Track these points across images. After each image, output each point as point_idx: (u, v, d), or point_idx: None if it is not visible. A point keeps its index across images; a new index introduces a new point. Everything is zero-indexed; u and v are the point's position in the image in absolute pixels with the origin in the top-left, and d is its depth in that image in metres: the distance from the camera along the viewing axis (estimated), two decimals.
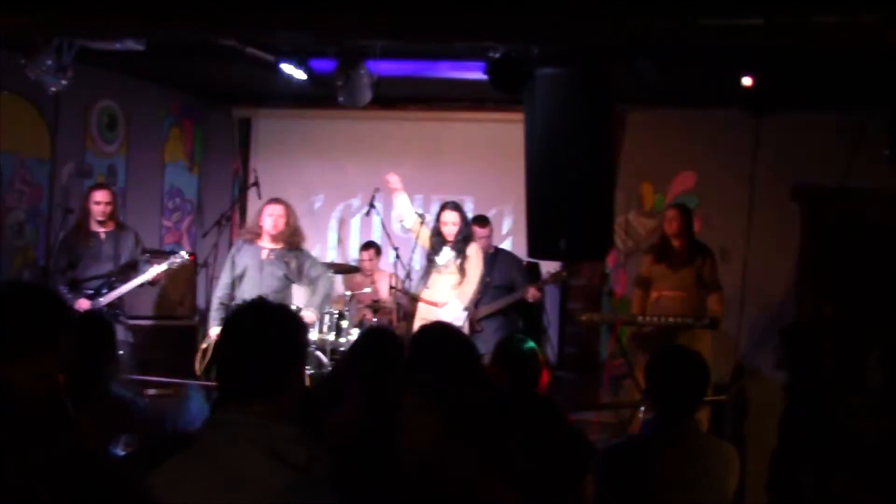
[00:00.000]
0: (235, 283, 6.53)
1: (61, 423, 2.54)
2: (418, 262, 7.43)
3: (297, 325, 2.21)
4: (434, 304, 6.68)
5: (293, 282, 6.59)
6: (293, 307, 6.82)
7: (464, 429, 2.27)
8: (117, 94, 8.13)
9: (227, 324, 2.23)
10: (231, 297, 6.50)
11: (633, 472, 3.13)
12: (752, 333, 7.56)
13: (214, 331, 6.45)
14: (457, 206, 6.82)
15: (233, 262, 6.57)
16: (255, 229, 6.59)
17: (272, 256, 6.51)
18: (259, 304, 2.23)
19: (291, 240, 6.55)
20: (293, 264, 6.53)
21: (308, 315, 6.44)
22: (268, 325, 2.14)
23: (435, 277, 6.74)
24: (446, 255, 6.71)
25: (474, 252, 6.78)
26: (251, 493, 1.99)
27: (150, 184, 8.61)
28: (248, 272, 6.50)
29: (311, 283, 6.64)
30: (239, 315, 2.22)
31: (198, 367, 6.52)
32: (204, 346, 6.55)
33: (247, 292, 6.35)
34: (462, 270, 6.70)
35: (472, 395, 2.28)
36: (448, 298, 6.70)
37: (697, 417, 3.46)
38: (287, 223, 6.52)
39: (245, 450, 2.03)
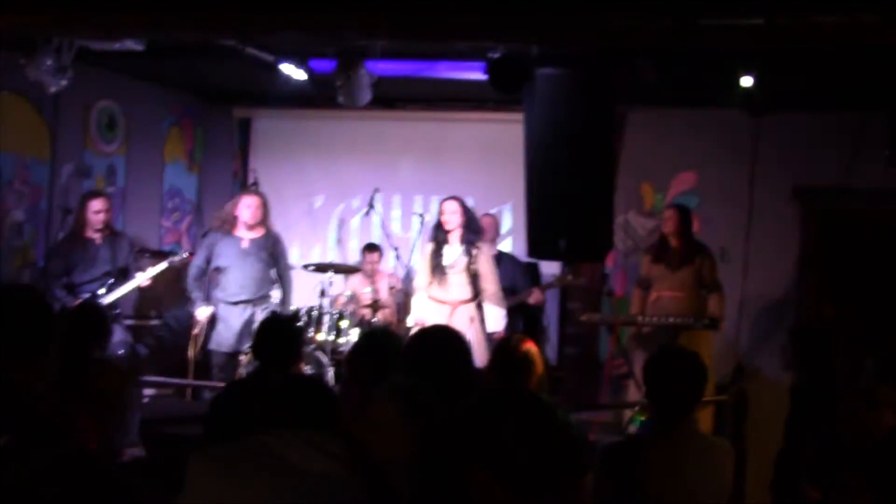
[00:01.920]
0: (219, 274, 6.81)
1: (62, 424, 2.54)
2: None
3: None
4: (453, 302, 6.47)
5: (271, 267, 6.90)
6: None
7: (440, 434, 2.29)
8: (117, 94, 8.12)
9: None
10: (205, 277, 6.88)
11: (630, 471, 3.13)
12: (752, 333, 7.56)
13: (202, 312, 6.81)
14: (455, 197, 6.61)
15: (210, 252, 6.86)
16: (229, 219, 6.83)
17: (252, 246, 6.79)
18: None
19: (267, 225, 6.89)
20: (271, 250, 6.86)
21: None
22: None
23: (443, 278, 6.46)
24: (451, 254, 6.47)
25: (484, 251, 6.55)
26: (295, 477, 2.12)
27: (149, 184, 8.61)
28: (231, 265, 6.78)
29: (279, 271, 6.95)
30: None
31: (191, 352, 6.91)
32: (196, 331, 6.86)
33: (232, 283, 6.75)
34: (469, 271, 6.43)
35: (462, 397, 2.28)
36: (461, 297, 6.47)
37: (696, 417, 3.46)
38: (264, 213, 6.85)
39: (291, 441, 2.18)
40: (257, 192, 7.03)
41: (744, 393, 6.86)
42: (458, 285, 6.47)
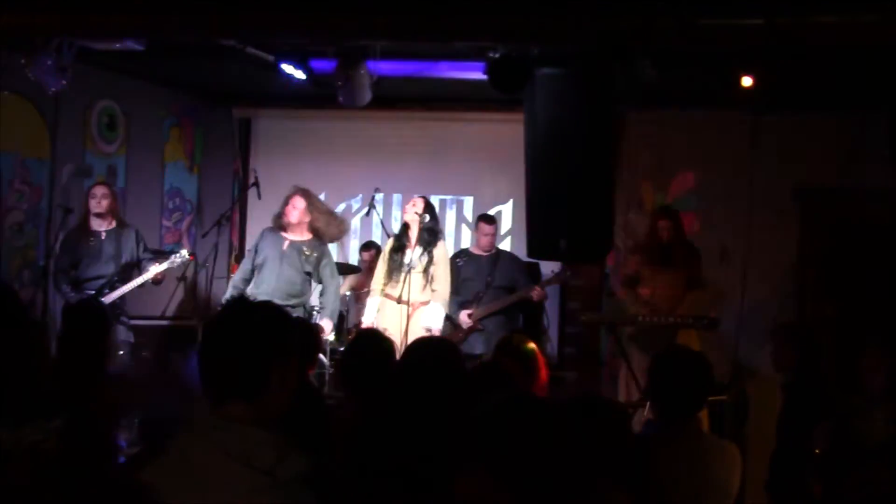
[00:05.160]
0: (256, 271, 6.67)
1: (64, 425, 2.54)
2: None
3: (279, 323, 2.14)
4: (404, 302, 6.63)
5: (310, 275, 6.70)
6: (312, 306, 6.85)
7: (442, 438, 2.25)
8: (117, 94, 8.12)
9: (208, 324, 2.19)
10: (248, 283, 6.68)
11: (637, 471, 3.12)
12: (751, 333, 7.54)
13: None
14: (422, 196, 6.94)
15: (255, 250, 6.74)
16: (278, 219, 6.75)
17: (292, 248, 6.64)
18: (240, 303, 2.24)
19: (316, 230, 6.71)
20: (313, 256, 6.65)
21: (325, 324, 6.62)
22: (245, 324, 2.10)
23: (400, 277, 6.69)
24: (410, 253, 6.70)
25: (442, 254, 6.81)
26: (217, 496, 1.99)
27: (150, 184, 8.61)
28: (267, 262, 6.63)
29: (322, 282, 6.75)
30: (220, 315, 2.19)
31: None
32: None
33: (265, 282, 6.56)
34: (427, 273, 6.68)
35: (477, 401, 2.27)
36: (421, 298, 6.69)
37: (698, 417, 3.45)
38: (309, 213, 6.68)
39: (212, 453, 2.02)
40: (305, 194, 6.77)
41: (744, 393, 6.86)
42: (417, 286, 6.66)
